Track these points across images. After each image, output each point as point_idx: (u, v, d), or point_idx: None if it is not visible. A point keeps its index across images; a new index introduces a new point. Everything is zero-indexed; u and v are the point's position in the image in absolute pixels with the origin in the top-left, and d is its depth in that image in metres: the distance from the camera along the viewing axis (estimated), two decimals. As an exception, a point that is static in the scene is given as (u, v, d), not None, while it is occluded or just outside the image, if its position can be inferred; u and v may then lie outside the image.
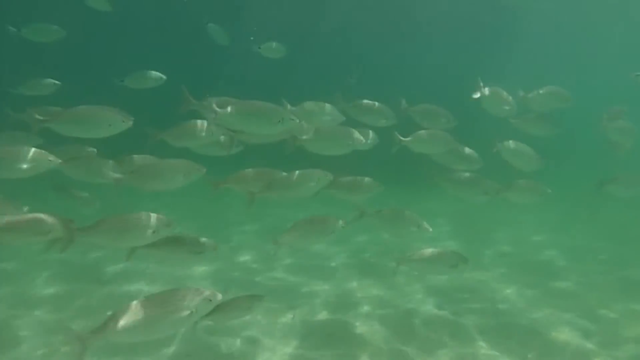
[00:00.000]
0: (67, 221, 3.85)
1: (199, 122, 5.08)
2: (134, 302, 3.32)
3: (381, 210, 5.66)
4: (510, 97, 6.29)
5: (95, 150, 5.46)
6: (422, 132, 6.07)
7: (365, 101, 6.07)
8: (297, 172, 5.04)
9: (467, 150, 6.34)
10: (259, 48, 9.85)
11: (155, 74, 7.57)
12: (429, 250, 5.46)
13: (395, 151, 6.06)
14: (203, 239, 4.59)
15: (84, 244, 3.95)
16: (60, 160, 4.50)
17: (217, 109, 4.56)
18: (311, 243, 5.31)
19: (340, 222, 5.24)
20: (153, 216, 4.12)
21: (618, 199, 7.26)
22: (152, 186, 4.77)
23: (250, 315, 4.58)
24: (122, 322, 3.19)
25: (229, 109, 4.58)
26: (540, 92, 6.49)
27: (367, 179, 5.79)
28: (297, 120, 4.98)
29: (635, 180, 6.93)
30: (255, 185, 4.97)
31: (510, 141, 6.42)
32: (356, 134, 5.57)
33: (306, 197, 5.21)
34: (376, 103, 6.06)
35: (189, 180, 4.86)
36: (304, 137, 5.30)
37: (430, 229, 5.74)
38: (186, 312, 3.41)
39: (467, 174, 6.29)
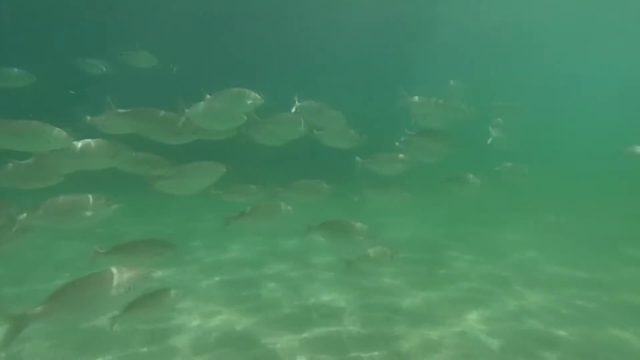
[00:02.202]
0: (8, 207, 3.92)
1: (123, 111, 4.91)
2: (71, 282, 3.26)
3: (325, 223, 5.60)
4: (433, 103, 6.80)
5: None
6: (332, 128, 6.29)
7: (311, 102, 5.95)
8: (191, 163, 5.14)
9: (388, 155, 6.59)
10: (121, 55, 9.06)
11: (21, 72, 6.04)
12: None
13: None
14: (161, 242, 4.67)
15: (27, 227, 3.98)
16: None
17: (187, 109, 4.91)
18: (264, 225, 5.49)
19: (289, 207, 5.54)
20: (93, 196, 4.26)
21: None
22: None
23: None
24: (59, 301, 3.15)
25: (197, 109, 4.94)
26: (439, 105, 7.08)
27: (317, 181, 5.83)
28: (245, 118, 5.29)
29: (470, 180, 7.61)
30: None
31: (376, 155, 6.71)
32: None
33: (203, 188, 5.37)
34: (321, 104, 5.97)
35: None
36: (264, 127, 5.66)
37: (378, 235, 5.76)
38: (124, 289, 3.43)
39: (385, 181, 6.60)
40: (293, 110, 5.79)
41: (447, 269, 8.85)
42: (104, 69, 9.73)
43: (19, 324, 3.05)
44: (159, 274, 3.75)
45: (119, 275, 3.45)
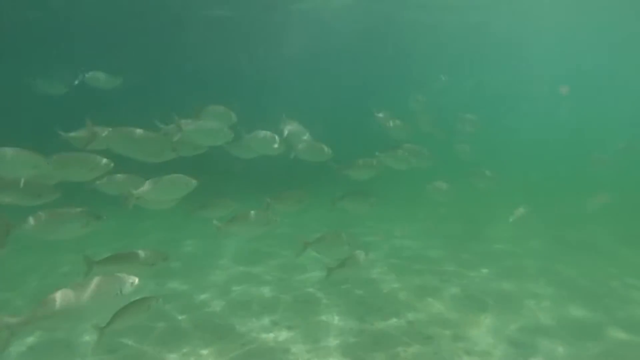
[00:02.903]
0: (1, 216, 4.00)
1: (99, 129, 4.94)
2: (62, 288, 3.35)
3: (321, 237, 5.85)
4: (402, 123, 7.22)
5: None
6: (306, 140, 6.65)
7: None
8: (163, 177, 5.25)
9: (363, 161, 6.86)
10: (85, 76, 9.03)
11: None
12: None
13: (292, 157, 6.52)
14: (154, 252, 4.77)
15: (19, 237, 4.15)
16: None
17: (182, 127, 5.24)
18: (250, 231, 5.87)
19: (277, 218, 5.90)
20: (83, 210, 4.45)
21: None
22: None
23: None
24: (50, 307, 3.23)
25: (190, 127, 5.31)
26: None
27: (297, 191, 6.31)
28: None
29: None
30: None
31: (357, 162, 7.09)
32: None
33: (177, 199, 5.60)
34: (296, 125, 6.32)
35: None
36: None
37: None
38: (113, 295, 3.58)
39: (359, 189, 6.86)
40: (285, 132, 6.09)
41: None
42: (66, 88, 9.53)
43: (9, 332, 3.05)
44: (137, 281, 3.87)
45: (106, 282, 3.59)
